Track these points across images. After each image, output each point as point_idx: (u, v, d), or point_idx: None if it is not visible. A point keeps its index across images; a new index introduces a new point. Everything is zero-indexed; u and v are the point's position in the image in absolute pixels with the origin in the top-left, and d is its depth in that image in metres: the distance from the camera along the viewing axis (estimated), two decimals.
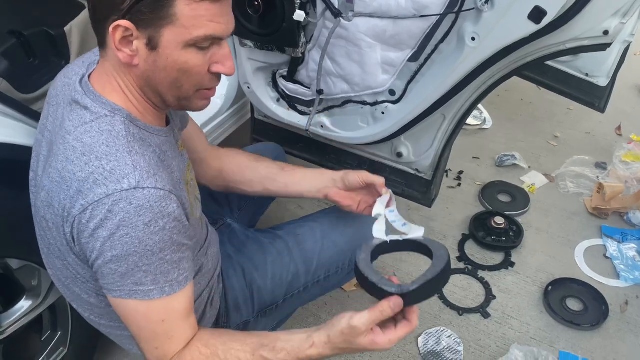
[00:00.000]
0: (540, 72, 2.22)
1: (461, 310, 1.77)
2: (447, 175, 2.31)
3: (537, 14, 1.07)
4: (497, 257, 1.95)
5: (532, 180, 2.28)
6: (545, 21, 1.08)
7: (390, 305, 0.90)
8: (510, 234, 2.01)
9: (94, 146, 0.85)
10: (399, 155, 1.62)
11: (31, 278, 1.26)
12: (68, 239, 0.87)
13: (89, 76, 0.93)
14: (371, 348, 0.93)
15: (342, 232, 1.32)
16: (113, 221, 0.82)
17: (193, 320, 0.95)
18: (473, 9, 1.15)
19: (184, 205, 0.91)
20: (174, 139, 1.01)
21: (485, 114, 2.65)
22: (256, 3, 1.36)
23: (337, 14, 1.31)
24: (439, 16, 1.21)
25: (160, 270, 0.86)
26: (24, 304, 1.26)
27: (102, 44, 0.88)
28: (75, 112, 0.89)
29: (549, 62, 2.15)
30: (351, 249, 1.30)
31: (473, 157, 2.43)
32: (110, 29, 0.82)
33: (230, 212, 1.48)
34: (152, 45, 0.84)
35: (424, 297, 0.95)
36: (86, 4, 0.85)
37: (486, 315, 1.76)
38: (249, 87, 1.68)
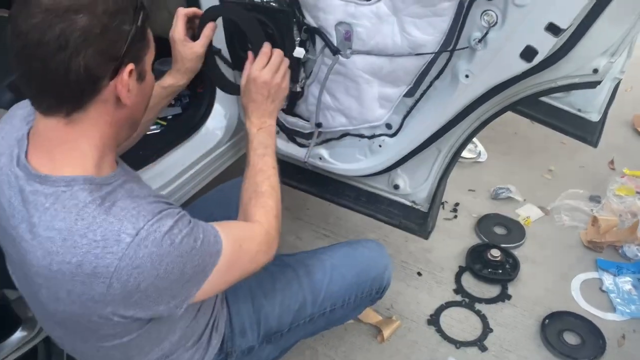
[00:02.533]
0: (534, 107, 2.26)
1: (458, 344, 1.76)
2: (443, 207, 2.33)
3: (528, 53, 1.11)
4: (493, 290, 1.96)
5: (527, 213, 2.30)
6: (537, 60, 1.12)
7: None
8: (507, 266, 2.01)
9: (70, 228, 0.82)
10: (396, 187, 1.64)
11: (27, 309, 1.25)
12: (108, 313, 0.86)
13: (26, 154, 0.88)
14: (256, 82, 1.20)
15: (352, 266, 1.36)
16: (146, 269, 0.83)
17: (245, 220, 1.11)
18: (467, 47, 1.19)
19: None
20: (126, 170, 0.99)
21: (480, 148, 2.68)
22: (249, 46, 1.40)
23: (335, 51, 1.35)
24: (433, 54, 1.25)
25: (206, 250, 0.92)
26: (19, 335, 1.26)
27: (81, 104, 0.83)
28: (30, 202, 0.85)
29: (543, 98, 2.20)
30: (358, 284, 1.35)
31: (469, 190, 2.45)
32: (125, 75, 0.84)
33: None
34: (141, 77, 0.90)
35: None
36: (64, 79, 0.79)
37: (483, 348, 1.75)
38: None
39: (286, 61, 1.27)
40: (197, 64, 1.29)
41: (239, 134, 1.85)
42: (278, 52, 1.25)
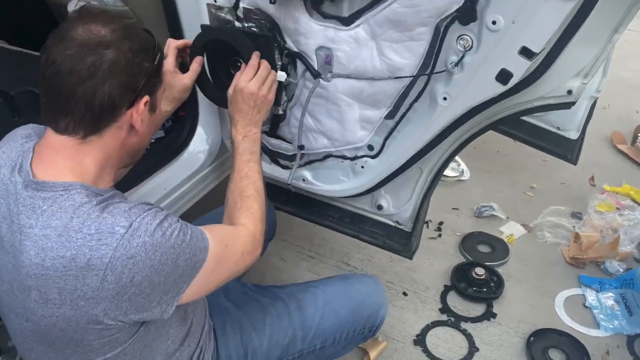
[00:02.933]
0: (514, 126, 2.30)
1: None
2: (427, 227, 2.34)
3: (504, 76, 1.13)
4: (479, 308, 1.96)
5: (510, 231, 2.33)
6: (512, 82, 1.14)
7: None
8: (491, 284, 2.03)
9: (66, 225, 0.85)
10: (379, 207, 1.65)
11: (7, 339, 1.23)
12: (98, 314, 0.87)
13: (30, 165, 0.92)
14: (243, 92, 1.25)
15: (346, 303, 1.34)
16: (141, 259, 0.85)
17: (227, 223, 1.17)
18: (444, 71, 1.22)
19: None
20: (117, 191, 1.03)
21: (463, 166, 2.72)
22: (239, 64, 1.42)
23: (316, 75, 1.37)
24: (412, 77, 1.27)
25: (195, 245, 0.94)
26: None
27: (98, 129, 0.92)
28: (27, 206, 0.88)
29: (523, 117, 2.24)
30: (351, 322, 1.33)
31: (452, 208, 2.47)
32: (142, 105, 0.96)
33: None
34: (153, 108, 1.02)
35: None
36: (88, 105, 0.89)
37: None
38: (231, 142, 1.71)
39: (273, 74, 1.31)
40: (184, 94, 1.33)
41: (221, 157, 1.86)
42: (265, 65, 1.29)
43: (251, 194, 1.20)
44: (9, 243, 0.90)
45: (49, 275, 0.85)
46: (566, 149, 2.25)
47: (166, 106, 1.30)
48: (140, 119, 0.96)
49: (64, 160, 0.91)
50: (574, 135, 2.21)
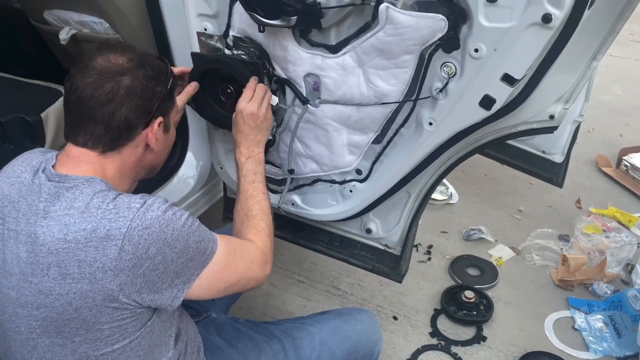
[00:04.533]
0: (500, 150, 2.35)
1: None
2: (417, 250, 2.35)
3: (487, 102, 1.16)
4: (469, 332, 1.96)
5: (499, 254, 2.34)
6: (495, 108, 1.17)
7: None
8: (481, 307, 2.03)
9: (87, 204, 0.93)
10: (368, 231, 1.66)
11: None
12: (114, 289, 0.91)
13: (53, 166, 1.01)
14: (243, 114, 1.30)
15: (342, 343, 1.33)
16: (155, 231, 0.92)
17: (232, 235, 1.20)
18: (429, 97, 1.25)
19: None
20: None
21: (452, 190, 2.74)
22: (229, 90, 1.44)
23: (304, 101, 1.40)
24: (397, 103, 1.30)
25: (204, 233, 1.01)
26: None
27: (116, 147, 1.01)
28: (52, 195, 0.95)
29: (509, 141, 2.28)
30: None
31: (441, 232, 2.49)
32: (156, 125, 1.05)
33: (212, 301, 1.46)
34: (167, 129, 1.11)
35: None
36: (107, 126, 0.99)
37: None
38: (221, 168, 1.72)
39: (269, 93, 1.36)
40: (176, 117, 1.33)
41: (211, 182, 1.87)
42: (261, 86, 1.35)
43: (257, 213, 1.24)
44: (26, 234, 0.94)
45: (70, 248, 0.90)
46: (552, 172, 2.28)
47: None
48: (155, 138, 1.06)
49: (86, 164, 1.00)
50: (559, 158, 2.25)
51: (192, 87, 1.40)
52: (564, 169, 2.28)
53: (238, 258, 1.09)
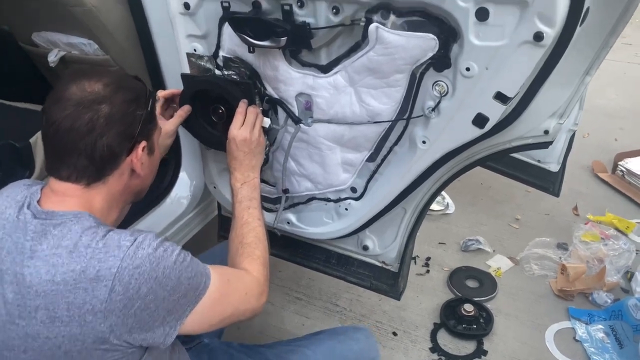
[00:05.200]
0: (496, 160, 2.33)
1: None
2: (415, 262, 2.34)
3: (480, 120, 1.15)
4: (469, 346, 1.94)
5: (497, 264, 2.33)
6: (489, 126, 1.16)
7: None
8: (481, 320, 2.01)
9: (76, 243, 0.90)
10: (365, 248, 1.65)
11: None
12: (105, 331, 0.88)
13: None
14: (235, 140, 1.29)
15: None
16: (146, 270, 0.89)
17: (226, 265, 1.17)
18: (422, 115, 1.24)
19: None
20: None
21: (448, 200, 2.73)
22: (220, 111, 1.43)
23: (297, 121, 1.39)
24: (390, 122, 1.29)
25: (197, 268, 0.98)
26: None
27: (101, 177, 0.99)
28: (38, 233, 0.92)
29: None
30: None
31: (439, 243, 2.48)
32: (140, 150, 1.02)
33: None
34: (151, 151, 1.08)
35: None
36: (90, 157, 0.96)
37: None
38: (215, 187, 1.71)
39: (260, 116, 1.34)
40: (167, 141, 1.35)
41: (204, 201, 1.85)
42: (252, 110, 1.33)
43: (252, 240, 1.21)
44: (12, 274, 0.91)
45: (58, 291, 0.87)
46: (548, 182, 2.27)
47: None
48: (140, 163, 1.03)
49: (72, 198, 0.97)
50: (554, 167, 2.24)
51: (184, 111, 1.38)
52: (560, 178, 2.28)
53: (232, 290, 1.06)
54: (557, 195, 2.30)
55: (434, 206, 2.67)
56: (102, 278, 0.87)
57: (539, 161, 2.25)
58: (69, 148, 0.95)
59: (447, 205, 2.71)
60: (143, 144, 1.03)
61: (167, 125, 1.35)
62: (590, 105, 3.52)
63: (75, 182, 0.97)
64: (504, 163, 2.32)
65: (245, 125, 1.30)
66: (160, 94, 1.37)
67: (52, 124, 0.94)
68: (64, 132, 0.94)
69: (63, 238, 0.91)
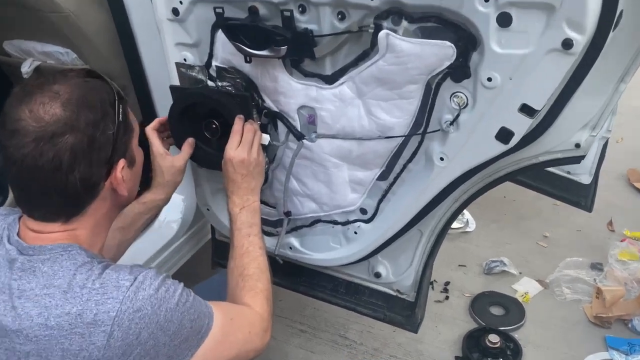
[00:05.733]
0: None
1: None
2: (433, 288, 2.33)
3: (504, 135, 1.16)
4: None
5: (525, 288, 2.32)
6: (514, 141, 1.16)
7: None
8: (508, 352, 2.01)
9: (70, 282, 0.90)
10: (377, 275, 1.65)
11: None
12: None
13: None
14: (232, 162, 1.29)
15: None
16: (147, 314, 0.90)
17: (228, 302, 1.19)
18: (438, 130, 1.24)
19: None
20: None
21: (468, 216, 2.73)
22: (214, 126, 1.44)
23: (299, 136, 1.39)
24: (404, 137, 1.29)
25: (199, 309, 0.99)
26: None
27: (80, 210, 0.97)
28: (25, 270, 0.92)
29: None
30: None
31: (459, 265, 2.47)
32: (119, 171, 0.99)
33: None
34: (131, 163, 1.06)
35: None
36: (63, 195, 0.94)
37: None
38: (208, 210, 1.71)
39: (259, 133, 1.35)
40: (177, 177, 1.38)
41: (196, 225, 1.86)
42: (249, 127, 1.33)
43: (253, 272, 1.22)
44: None
45: (52, 336, 0.87)
46: (579, 195, 2.27)
47: (159, 194, 1.37)
48: (122, 182, 1.01)
49: (53, 234, 0.96)
50: (586, 179, 2.23)
51: (189, 145, 1.40)
52: (592, 191, 2.27)
53: (236, 329, 1.07)
54: (589, 210, 2.29)
55: (453, 223, 2.67)
56: (100, 323, 0.87)
57: (568, 172, 2.24)
58: (37, 189, 0.92)
59: (467, 222, 2.71)
60: (122, 163, 1.00)
61: (177, 162, 1.37)
62: (624, 107, 3.51)
63: (52, 222, 0.96)
64: (530, 175, 2.32)
65: (242, 145, 1.31)
66: (149, 128, 1.37)
67: (14, 163, 0.90)
68: (27, 171, 0.90)
69: (54, 276, 0.90)
